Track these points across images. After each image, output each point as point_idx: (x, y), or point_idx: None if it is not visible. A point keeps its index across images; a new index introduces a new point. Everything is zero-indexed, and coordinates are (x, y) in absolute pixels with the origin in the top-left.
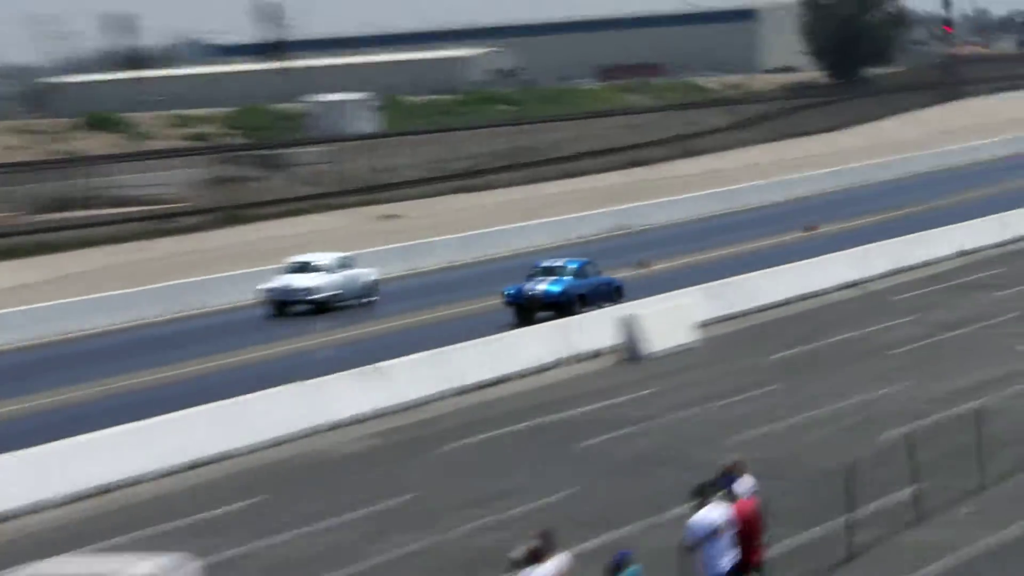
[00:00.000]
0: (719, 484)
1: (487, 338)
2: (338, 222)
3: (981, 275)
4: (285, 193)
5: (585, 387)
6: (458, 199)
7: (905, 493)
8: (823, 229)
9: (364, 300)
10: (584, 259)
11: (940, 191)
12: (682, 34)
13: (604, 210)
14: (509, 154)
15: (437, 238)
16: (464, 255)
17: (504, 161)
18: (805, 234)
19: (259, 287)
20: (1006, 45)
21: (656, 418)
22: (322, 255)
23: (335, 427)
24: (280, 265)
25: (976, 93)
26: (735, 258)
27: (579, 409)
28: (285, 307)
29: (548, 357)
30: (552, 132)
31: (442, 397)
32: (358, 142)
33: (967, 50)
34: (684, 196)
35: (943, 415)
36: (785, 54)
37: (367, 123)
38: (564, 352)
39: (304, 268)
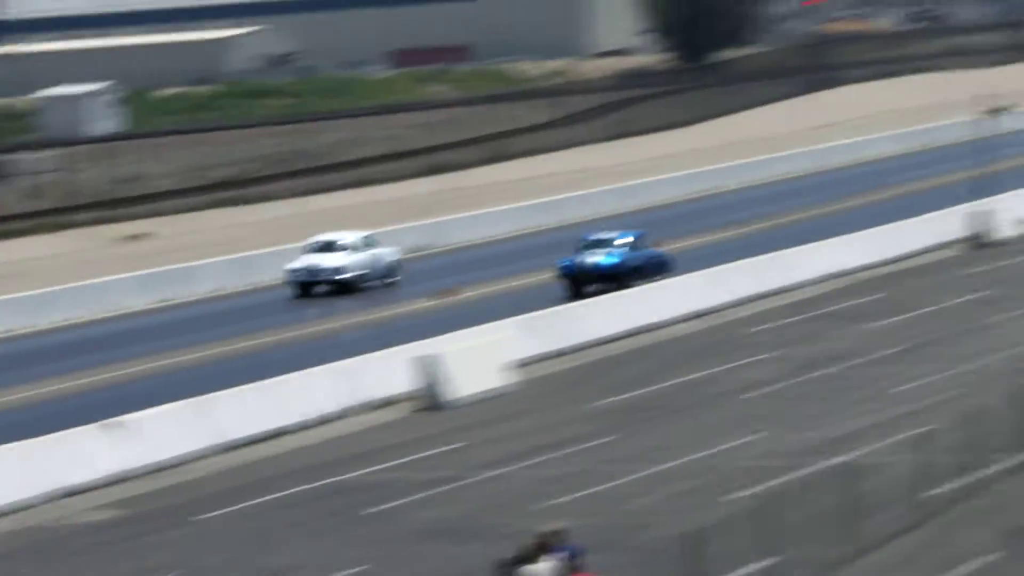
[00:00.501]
0: (534, 558)
1: (259, 383)
2: (65, 246)
3: (855, 302)
4: None
5: (375, 442)
6: (222, 214)
7: (760, 566)
8: (670, 246)
9: (388, 281)
10: (638, 231)
11: (810, 199)
12: (493, 9)
13: (400, 226)
14: (284, 159)
15: (199, 262)
16: (237, 281)
17: (278, 167)
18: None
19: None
20: (889, 20)
21: (460, 479)
22: (347, 233)
23: (70, 493)
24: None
25: (852, 79)
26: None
27: (367, 469)
28: (310, 287)
29: (331, 406)
30: (336, 131)
31: (204, 455)
32: (95, 145)
33: (841, 27)
34: (498, 208)
35: (807, 471)
36: (620, 34)
37: (107, 122)
38: (350, 400)
39: (329, 247)
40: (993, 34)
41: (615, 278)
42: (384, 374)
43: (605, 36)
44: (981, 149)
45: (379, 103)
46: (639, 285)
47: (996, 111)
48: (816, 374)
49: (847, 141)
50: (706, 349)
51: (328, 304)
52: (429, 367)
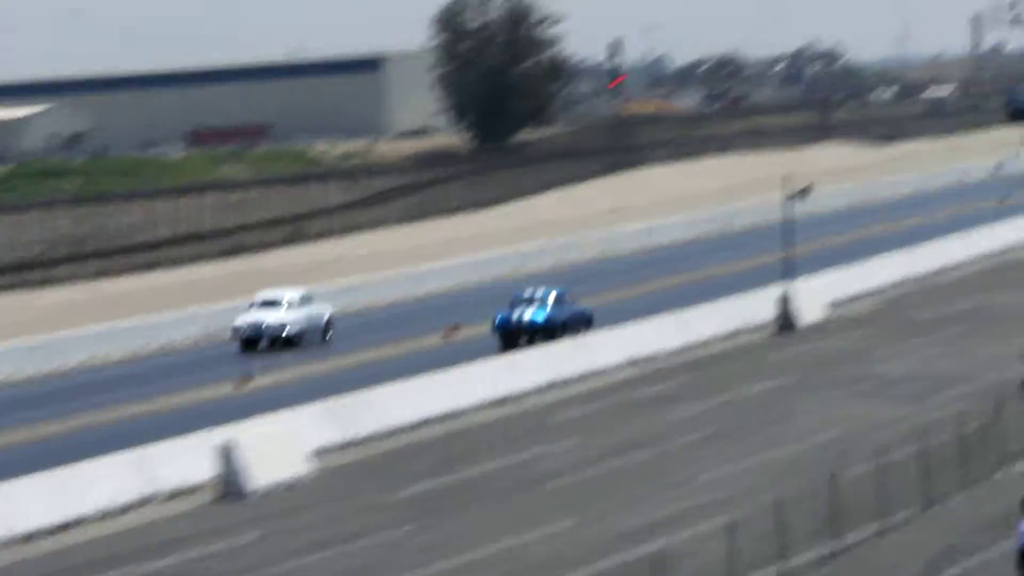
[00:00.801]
0: None
1: (50, 472)
2: None
3: (660, 388)
4: None
5: (172, 532)
6: (2, 300)
7: None
8: (465, 332)
9: (326, 336)
10: (561, 288)
11: (607, 284)
12: (292, 89)
13: (195, 310)
14: (72, 241)
15: None
16: (28, 366)
17: (66, 251)
18: (444, 338)
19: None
20: (690, 100)
21: (255, 572)
22: (288, 290)
23: None
24: (247, 302)
25: (653, 160)
26: (359, 368)
27: (162, 561)
28: (254, 343)
29: (125, 495)
30: (128, 213)
31: None
32: None
33: (642, 107)
34: None
35: (611, 562)
36: (420, 113)
37: None
38: (145, 488)
39: (271, 304)
40: (796, 114)
41: (546, 331)
42: (182, 460)
43: (405, 116)
44: (787, 231)
45: (174, 184)
46: (515, 351)
47: (802, 192)
48: (622, 461)
49: (644, 225)
50: (509, 436)
51: (134, 387)
52: (229, 454)
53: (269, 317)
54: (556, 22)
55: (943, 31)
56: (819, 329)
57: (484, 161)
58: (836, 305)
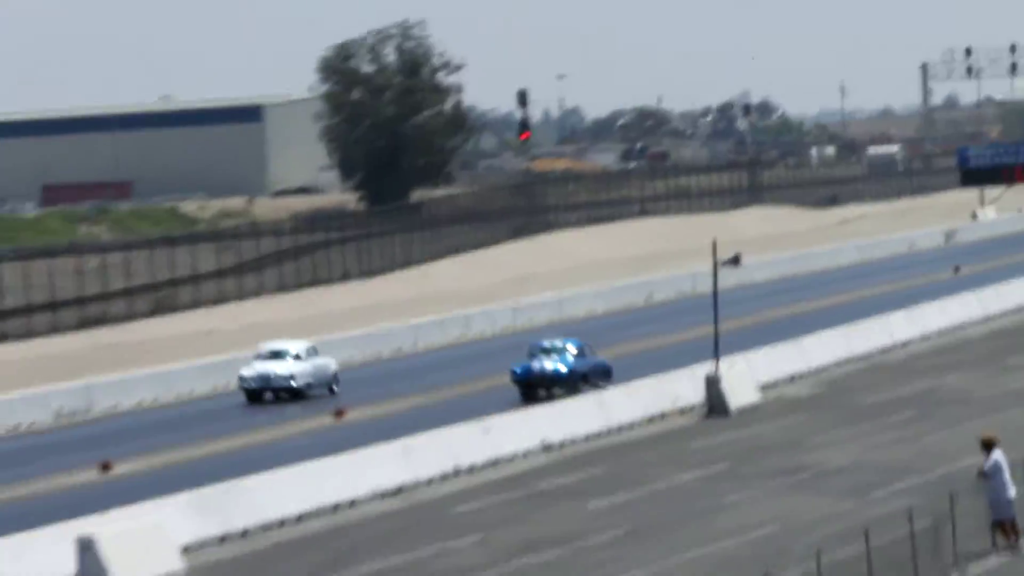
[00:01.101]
0: None
1: None
2: None
3: (572, 477)
4: None
5: None
6: None
7: None
8: (352, 415)
9: (333, 389)
10: (580, 340)
11: (512, 361)
12: (161, 140)
13: (45, 389)
14: None
15: None
16: None
17: None
18: (334, 420)
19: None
20: (606, 157)
21: None
22: (294, 342)
23: None
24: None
25: (564, 224)
26: (235, 454)
27: None
28: (260, 394)
29: None
30: None
31: None
32: None
33: (552, 165)
34: (159, 369)
35: None
36: (304, 169)
37: None
38: None
39: (278, 355)
40: (725, 174)
41: (566, 383)
42: (35, 555)
43: (287, 172)
44: (716, 303)
45: (27, 245)
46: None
47: (731, 261)
48: (530, 560)
49: (554, 295)
50: (403, 531)
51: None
52: (87, 552)
53: (277, 368)
54: (457, 69)
55: (888, 83)
56: (752, 413)
57: (375, 223)
58: (769, 387)
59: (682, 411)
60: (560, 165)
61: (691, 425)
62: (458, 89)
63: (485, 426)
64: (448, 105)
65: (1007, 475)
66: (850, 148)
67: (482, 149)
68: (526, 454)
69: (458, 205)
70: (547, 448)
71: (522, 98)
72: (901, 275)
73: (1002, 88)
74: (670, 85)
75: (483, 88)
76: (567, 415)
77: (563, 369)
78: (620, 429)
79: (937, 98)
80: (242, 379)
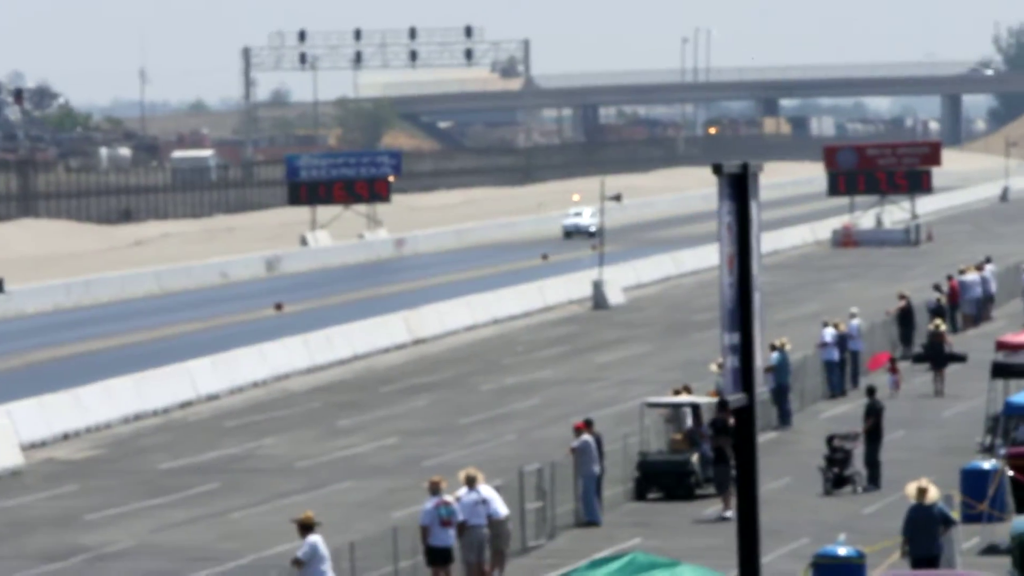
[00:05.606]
0: None
1: None
2: None
3: None
4: None
5: None
6: None
7: None
8: None
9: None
10: None
11: None
12: None
13: None
14: None
15: None
16: None
17: None
18: None
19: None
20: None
21: None
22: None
23: None
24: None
25: None
26: None
27: None
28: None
29: None
30: None
31: None
32: None
33: None
34: None
35: None
36: None
37: None
38: None
39: (578, 215)
40: None
41: None
42: None
43: None
44: None
45: None
46: None
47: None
48: None
49: None
50: None
51: None
52: None
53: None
54: None
55: (204, 70)
56: (12, 480)
57: None
58: (37, 446)
59: None
60: None
61: None
62: None
63: None
64: None
65: (327, 564)
66: (151, 150)
67: None
68: None
69: None
70: None
71: None
72: (211, 311)
73: (344, 82)
74: None
75: None
76: None
77: None
78: None
79: (263, 92)
80: (563, 226)
